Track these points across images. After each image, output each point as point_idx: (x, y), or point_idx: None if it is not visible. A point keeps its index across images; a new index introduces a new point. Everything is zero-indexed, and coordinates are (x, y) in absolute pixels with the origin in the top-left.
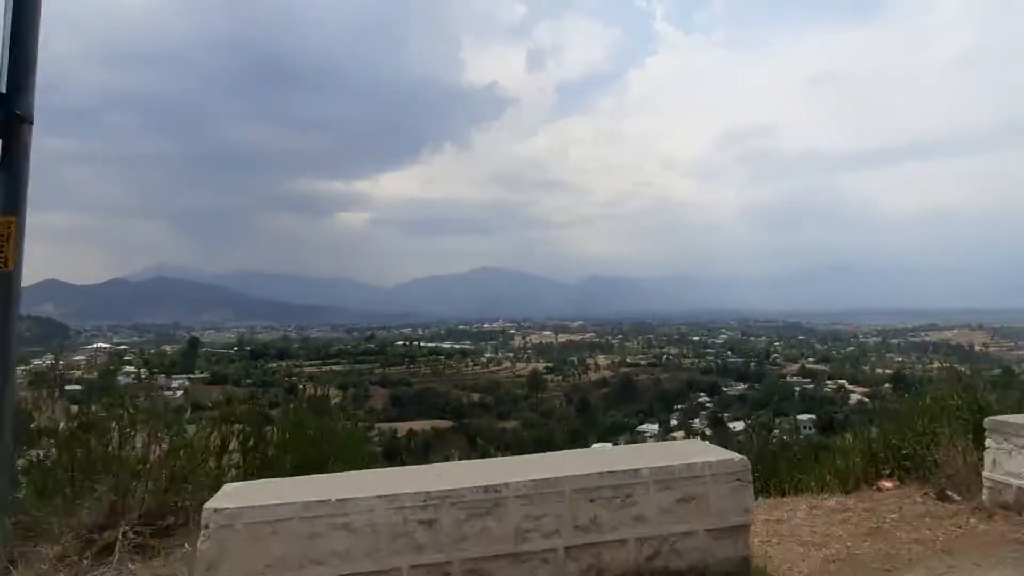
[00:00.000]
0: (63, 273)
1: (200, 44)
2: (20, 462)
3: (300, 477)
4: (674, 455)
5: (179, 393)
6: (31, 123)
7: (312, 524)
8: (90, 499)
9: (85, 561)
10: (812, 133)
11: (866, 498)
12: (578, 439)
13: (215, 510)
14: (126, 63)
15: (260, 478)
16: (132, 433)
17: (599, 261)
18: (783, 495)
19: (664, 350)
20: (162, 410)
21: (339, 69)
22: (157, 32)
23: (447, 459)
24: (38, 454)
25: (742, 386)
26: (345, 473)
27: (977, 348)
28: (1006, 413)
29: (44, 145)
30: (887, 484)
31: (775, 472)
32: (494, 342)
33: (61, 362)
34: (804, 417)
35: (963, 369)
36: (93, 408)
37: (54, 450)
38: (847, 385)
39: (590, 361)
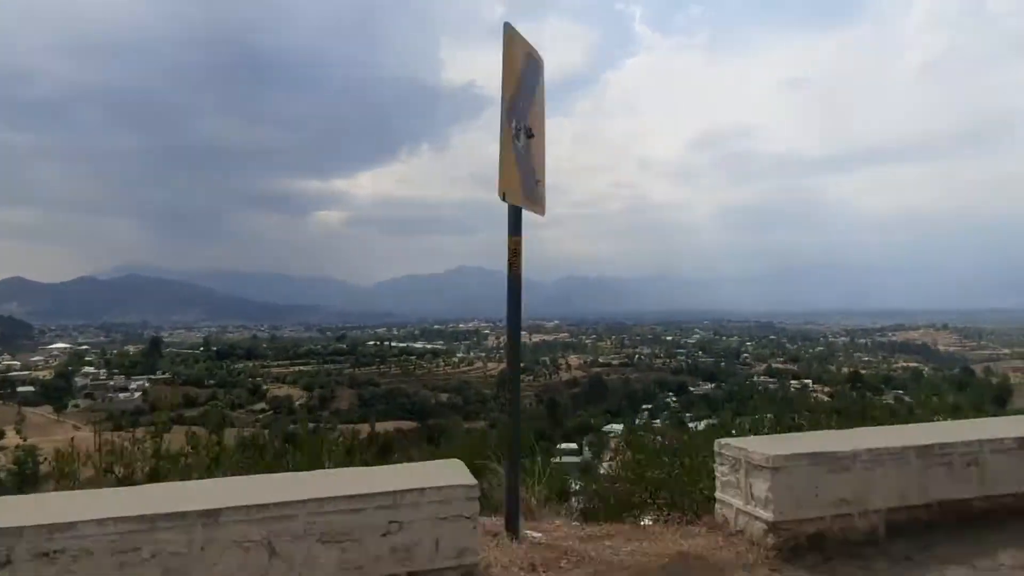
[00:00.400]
0: (29, 271)
1: (171, 36)
2: None
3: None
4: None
5: (136, 395)
6: None
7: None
8: None
9: None
10: (788, 136)
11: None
12: (543, 439)
13: None
14: (94, 54)
15: None
16: None
17: (576, 261)
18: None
19: (636, 350)
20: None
21: (315, 65)
22: (125, 22)
23: (410, 459)
24: None
25: (710, 385)
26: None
27: (941, 347)
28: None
29: (8, 140)
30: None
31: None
32: (467, 342)
33: (17, 362)
34: (765, 417)
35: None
36: None
37: None
38: (811, 384)
39: (562, 361)
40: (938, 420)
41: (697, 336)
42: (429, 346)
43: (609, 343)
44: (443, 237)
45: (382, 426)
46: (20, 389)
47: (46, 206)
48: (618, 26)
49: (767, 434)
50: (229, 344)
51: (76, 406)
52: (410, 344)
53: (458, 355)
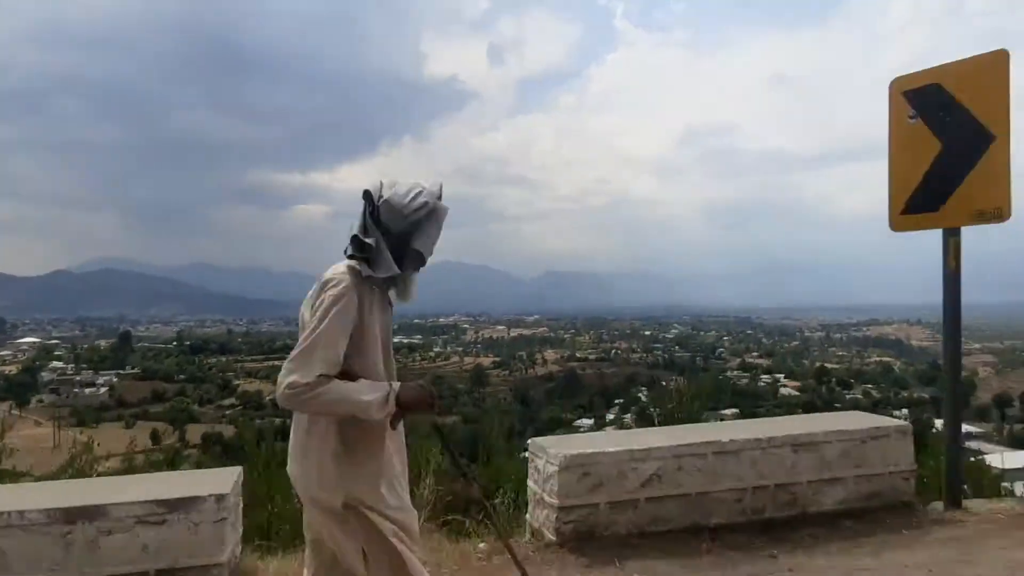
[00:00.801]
0: (3, 264)
1: (151, 27)
2: None
3: None
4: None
5: (103, 390)
6: None
7: None
8: None
9: None
10: (769, 133)
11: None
12: (513, 435)
13: None
14: (72, 45)
15: None
16: None
17: (558, 256)
18: None
19: (614, 345)
20: None
21: (296, 58)
22: (105, 12)
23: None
24: None
25: (683, 380)
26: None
27: (914, 343)
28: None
29: None
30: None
31: None
32: (445, 336)
33: None
34: (728, 411)
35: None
36: None
37: None
38: (782, 379)
39: (539, 356)
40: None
41: (675, 331)
42: (405, 340)
43: (587, 338)
44: None
45: None
46: None
47: (20, 199)
48: (600, 21)
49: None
50: (202, 339)
51: (40, 401)
52: None
53: (435, 349)
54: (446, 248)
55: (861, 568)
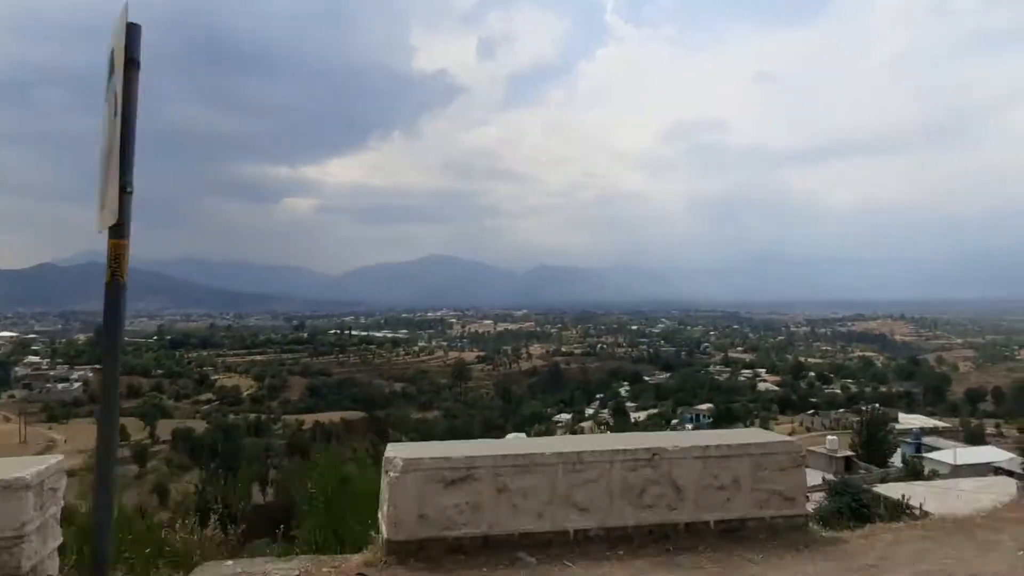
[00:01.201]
0: None
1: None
2: None
3: None
4: None
5: (76, 385)
6: None
7: None
8: None
9: None
10: (757, 128)
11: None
12: (493, 429)
13: None
14: (55, 35)
15: None
16: None
17: (548, 251)
18: None
19: (600, 339)
20: None
21: (284, 51)
22: (87, 1)
23: (354, 451)
24: None
25: (665, 375)
26: None
27: (898, 338)
28: None
29: None
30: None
31: None
32: (431, 331)
33: None
34: (704, 407)
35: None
36: None
37: None
38: (762, 374)
39: (524, 350)
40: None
41: (662, 326)
42: (390, 335)
43: (574, 332)
44: (415, 225)
45: (328, 416)
46: None
47: (5, 191)
48: (589, 16)
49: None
50: (184, 333)
51: (12, 397)
52: (371, 333)
53: (420, 344)
54: (437, 243)
55: None
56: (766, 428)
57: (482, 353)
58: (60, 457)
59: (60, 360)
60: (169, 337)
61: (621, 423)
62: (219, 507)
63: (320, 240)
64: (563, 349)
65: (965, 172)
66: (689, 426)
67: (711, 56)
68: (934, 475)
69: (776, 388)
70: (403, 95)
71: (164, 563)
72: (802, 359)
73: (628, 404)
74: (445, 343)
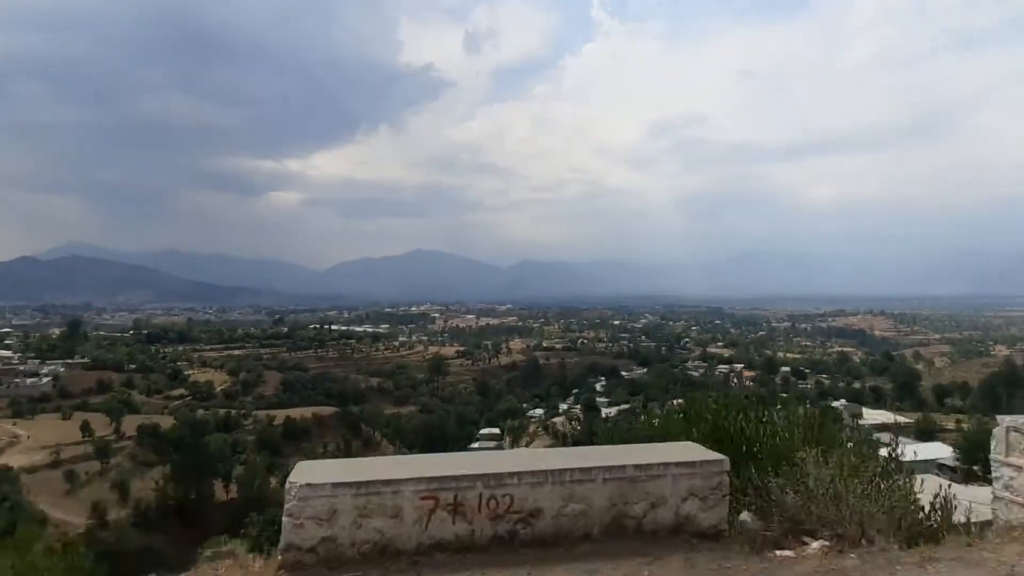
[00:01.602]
0: None
1: (117, 7)
2: None
3: None
4: None
5: (46, 380)
6: None
7: None
8: None
9: None
10: (740, 125)
11: None
12: (467, 424)
13: None
14: (35, 26)
15: None
16: None
17: (533, 245)
18: None
19: (582, 334)
20: None
21: (269, 43)
22: None
23: (324, 447)
24: None
25: (643, 370)
26: None
27: (876, 333)
28: None
29: None
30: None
31: None
32: (412, 325)
33: None
34: (675, 402)
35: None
36: None
37: None
38: (738, 368)
39: (505, 345)
40: None
41: (645, 321)
42: (371, 329)
43: (556, 327)
44: (400, 220)
45: (300, 412)
46: None
47: None
48: (576, 11)
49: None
50: (162, 328)
51: None
52: (351, 328)
53: (400, 339)
54: (422, 237)
55: None
56: None
57: (462, 348)
58: None
59: (32, 355)
60: (146, 331)
61: (591, 419)
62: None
63: (305, 234)
64: (544, 344)
65: (945, 168)
66: (656, 422)
67: (696, 52)
68: None
69: (750, 384)
70: (390, 89)
71: None
72: (781, 354)
73: (600, 400)
74: (426, 338)
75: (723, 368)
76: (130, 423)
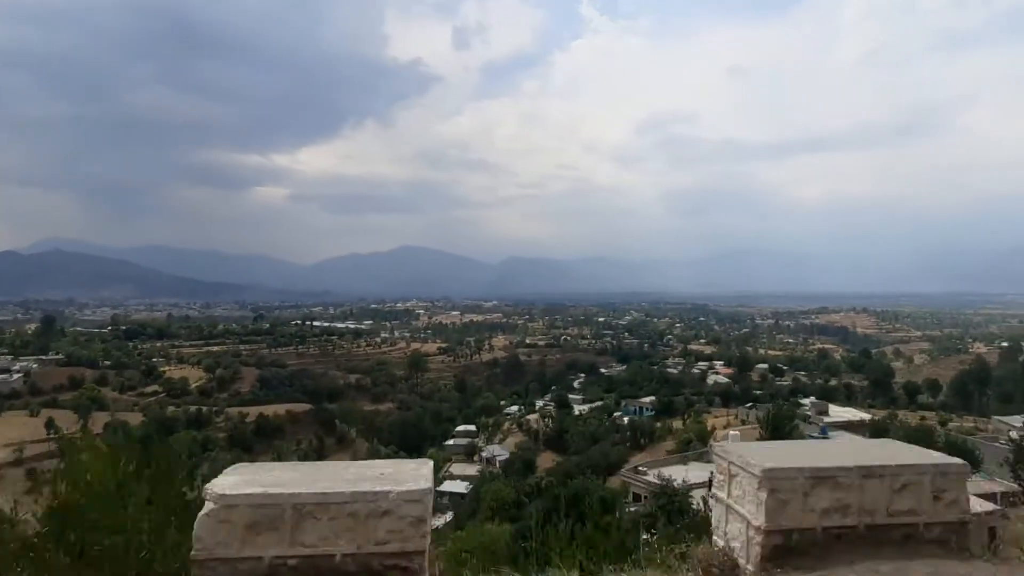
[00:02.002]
0: None
1: (104, 1)
2: None
3: None
4: None
5: (16, 376)
6: None
7: None
8: None
9: None
10: (729, 122)
11: None
12: (444, 421)
13: None
14: (19, 18)
15: None
16: None
17: (521, 242)
18: None
19: (566, 331)
20: None
21: (253, 37)
22: None
23: (298, 444)
24: None
25: (622, 367)
26: None
27: (859, 330)
28: None
29: None
30: None
31: None
32: (396, 322)
33: None
34: (647, 400)
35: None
36: None
37: None
38: (716, 366)
39: (488, 342)
40: None
41: (629, 317)
42: (353, 326)
43: (541, 324)
44: (388, 216)
45: (274, 409)
46: None
47: None
48: (565, 7)
49: None
50: (139, 323)
51: None
52: (334, 324)
53: (382, 335)
54: (409, 233)
55: None
56: (699, 421)
57: (444, 344)
58: None
59: (5, 351)
60: (124, 327)
61: (562, 416)
62: None
63: (291, 229)
64: (527, 341)
65: (932, 168)
66: (626, 419)
67: (685, 49)
68: None
69: (726, 380)
70: (377, 84)
71: None
72: (763, 351)
73: (572, 397)
74: (408, 334)
75: (702, 365)
76: (99, 420)
